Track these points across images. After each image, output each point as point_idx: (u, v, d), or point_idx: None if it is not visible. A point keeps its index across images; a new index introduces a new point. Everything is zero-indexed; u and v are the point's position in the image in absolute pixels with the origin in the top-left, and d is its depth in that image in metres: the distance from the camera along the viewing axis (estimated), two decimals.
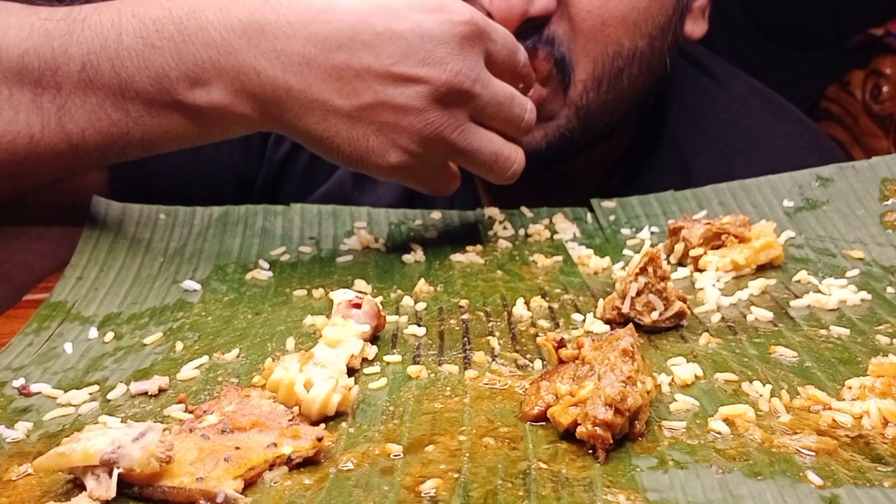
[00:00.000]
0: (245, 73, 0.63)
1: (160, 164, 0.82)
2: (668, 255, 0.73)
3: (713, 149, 0.94)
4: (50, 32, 0.66)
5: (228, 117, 0.66)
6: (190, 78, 0.64)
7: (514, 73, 0.70)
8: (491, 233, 0.81)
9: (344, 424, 0.47)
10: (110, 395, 0.51)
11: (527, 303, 0.64)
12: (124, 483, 0.40)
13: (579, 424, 0.44)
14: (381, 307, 0.58)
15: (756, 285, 0.66)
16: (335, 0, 0.64)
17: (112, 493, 0.39)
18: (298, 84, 0.63)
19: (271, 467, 0.42)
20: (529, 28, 0.76)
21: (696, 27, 0.91)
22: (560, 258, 0.74)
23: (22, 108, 0.66)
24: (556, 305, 0.64)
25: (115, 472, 0.39)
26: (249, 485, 0.41)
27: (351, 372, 0.52)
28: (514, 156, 0.71)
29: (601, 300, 0.61)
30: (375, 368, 0.54)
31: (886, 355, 0.52)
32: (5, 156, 0.67)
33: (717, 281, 0.68)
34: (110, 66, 0.65)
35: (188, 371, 0.54)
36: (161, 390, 0.52)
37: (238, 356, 0.56)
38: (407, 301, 0.65)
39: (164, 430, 0.42)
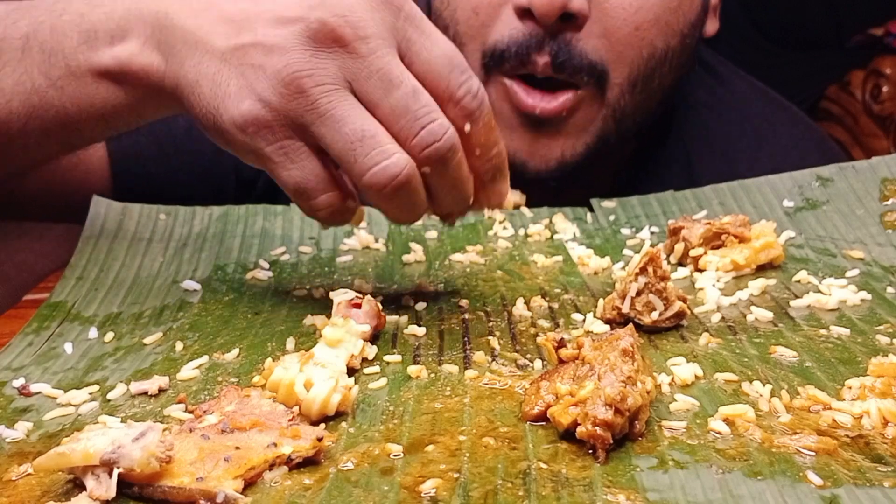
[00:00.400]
0: (158, 20, 0.60)
1: (162, 164, 0.82)
2: (668, 255, 0.73)
3: (717, 148, 0.95)
4: (9, 10, 0.66)
5: (134, 74, 0.61)
6: (113, 32, 0.62)
7: (446, 92, 0.56)
8: (491, 233, 0.81)
9: (344, 424, 0.47)
10: (110, 395, 0.51)
11: (527, 303, 0.64)
12: (124, 483, 0.40)
13: (579, 424, 0.44)
14: (380, 307, 0.58)
15: (756, 285, 0.66)
16: None
17: (112, 492, 0.39)
18: (193, 26, 0.59)
19: (271, 467, 0.42)
20: (565, 27, 0.77)
21: (710, 25, 0.92)
22: (560, 258, 0.74)
23: None
24: (556, 305, 0.64)
25: (115, 472, 0.39)
26: (249, 485, 0.41)
27: (351, 372, 0.52)
28: (392, 149, 0.55)
29: (601, 300, 0.61)
30: (375, 368, 0.54)
31: (886, 355, 0.52)
32: None
33: (717, 281, 0.68)
34: (48, 29, 0.63)
35: (188, 371, 0.54)
36: (161, 390, 0.52)
37: (238, 356, 0.56)
38: (407, 301, 0.65)
39: (164, 430, 0.42)
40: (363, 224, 0.81)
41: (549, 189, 0.85)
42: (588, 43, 0.79)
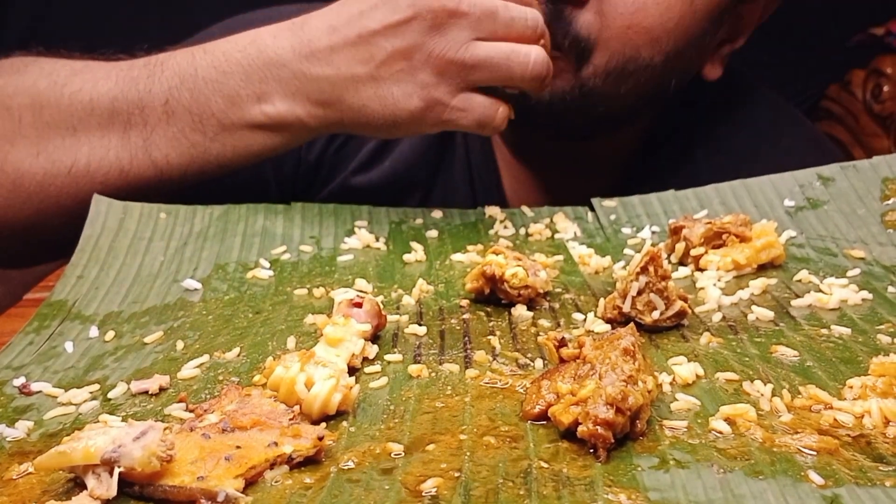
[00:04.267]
0: (297, 79, 0.73)
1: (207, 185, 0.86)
2: (669, 255, 0.73)
3: (722, 149, 0.96)
4: (135, 79, 0.76)
5: (292, 124, 0.75)
6: (257, 94, 0.74)
7: None
8: (492, 232, 0.81)
9: (345, 423, 0.47)
10: (111, 394, 0.51)
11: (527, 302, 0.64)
12: (125, 482, 0.40)
13: (580, 423, 0.44)
14: (381, 306, 0.58)
15: (757, 285, 0.66)
16: None
17: (113, 492, 0.39)
18: (331, 71, 0.72)
19: (272, 466, 0.42)
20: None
21: (713, 70, 0.94)
22: (561, 257, 0.74)
23: (112, 146, 0.76)
24: (556, 305, 0.64)
25: (116, 471, 0.39)
26: (250, 484, 0.41)
27: (352, 371, 0.52)
28: (529, 51, 0.72)
29: (602, 299, 0.61)
30: (376, 367, 0.54)
31: (888, 354, 0.52)
32: (99, 188, 0.76)
33: (718, 280, 0.68)
34: (189, 96, 0.75)
35: (189, 370, 0.54)
36: (162, 389, 0.52)
37: (239, 355, 0.56)
38: (407, 300, 0.65)
39: (165, 429, 0.42)
40: (364, 223, 0.81)
41: (547, 142, 0.94)
42: (582, 16, 0.81)
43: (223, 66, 0.75)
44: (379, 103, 0.72)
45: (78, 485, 0.41)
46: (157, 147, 0.76)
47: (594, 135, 0.93)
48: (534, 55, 0.72)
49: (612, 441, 0.43)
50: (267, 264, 0.72)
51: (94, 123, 0.76)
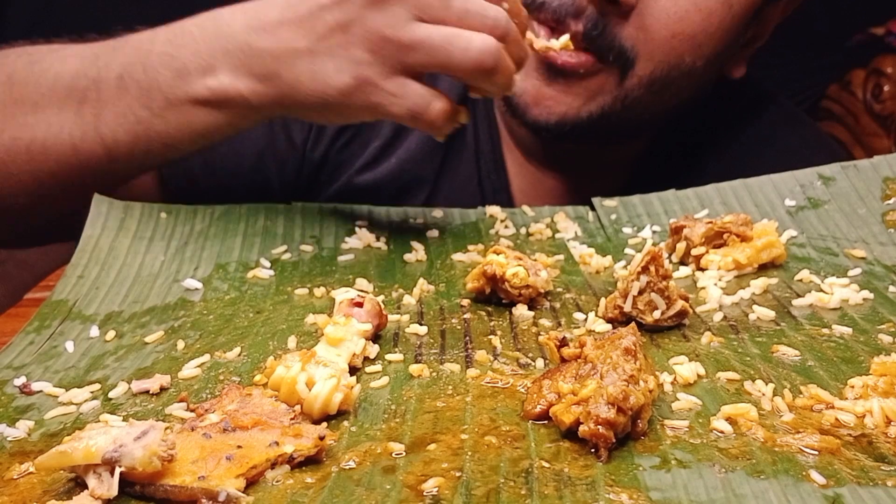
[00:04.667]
0: (242, 52, 0.70)
1: (209, 173, 0.87)
2: (670, 254, 0.73)
3: (727, 150, 0.97)
4: (97, 55, 0.75)
5: (231, 100, 0.71)
6: (203, 68, 0.71)
7: None
8: (492, 231, 0.81)
9: (346, 423, 0.47)
10: (112, 394, 0.51)
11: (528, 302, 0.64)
12: (126, 482, 0.40)
13: (581, 423, 0.43)
14: (382, 306, 0.58)
15: (758, 284, 0.65)
16: None
17: (114, 491, 0.39)
18: (274, 43, 0.69)
19: (273, 466, 0.42)
20: (610, 10, 0.81)
21: (738, 70, 0.96)
22: (561, 257, 0.74)
23: (66, 123, 0.74)
24: (557, 304, 0.64)
25: (117, 470, 0.39)
26: (251, 483, 0.41)
27: (353, 371, 0.52)
28: (472, 37, 0.67)
29: (603, 299, 0.61)
30: (377, 367, 0.54)
31: (889, 354, 0.52)
32: (55, 166, 0.75)
33: (719, 280, 0.67)
34: (142, 70, 0.73)
35: (190, 370, 0.54)
36: (162, 389, 0.52)
37: (239, 355, 0.56)
38: (408, 300, 0.65)
39: (166, 428, 0.42)
40: (364, 222, 0.81)
41: (568, 145, 0.92)
42: (625, 30, 0.82)
43: (178, 39, 0.73)
44: (311, 78, 0.69)
45: (79, 484, 0.41)
46: (106, 123, 0.74)
47: (628, 140, 0.95)
48: (478, 42, 0.67)
49: (614, 441, 0.43)
50: (268, 264, 0.72)
51: (55, 100, 0.75)
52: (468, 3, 0.67)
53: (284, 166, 0.93)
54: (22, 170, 0.76)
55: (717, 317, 0.61)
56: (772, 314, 0.60)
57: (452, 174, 0.96)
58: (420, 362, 0.54)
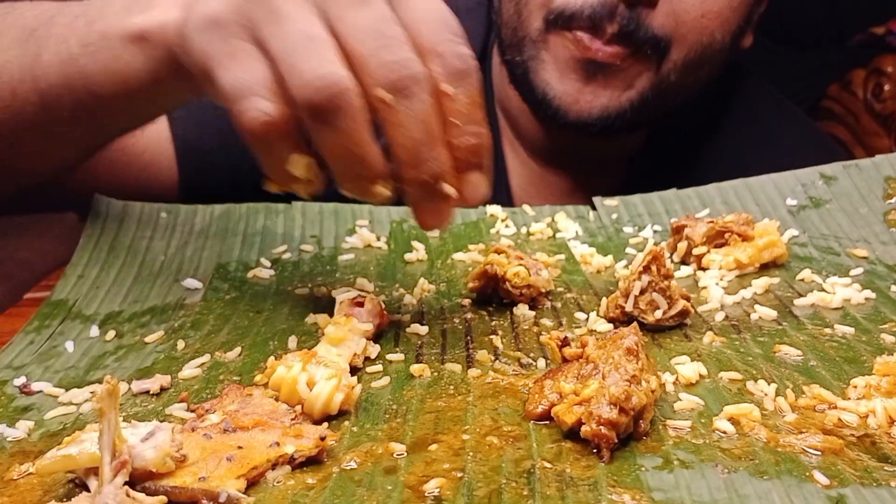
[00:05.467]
0: None
1: (225, 155, 0.83)
2: (672, 254, 0.73)
3: (727, 148, 0.97)
4: (68, 3, 0.67)
5: (155, 35, 0.59)
6: (153, 3, 0.60)
7: (426, 41, 0.50)
8: (493, 231, 0.80)
9: (347, 423, 0.47)
10: None
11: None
12: (126, 483, 0.40)
13: (583, 423, 0.43)
14: (383, 305, 0.58)
15: (760, 284, 0.65)
16: None
17: (121, 493, 0.39)
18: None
19: (274, 467, 0.42)
20: (639, 2, 0.82)
21: (747, 39, 0.98)
22: (562, 256, 0.74)
23: (10, 61, 0.67)
24: (559, 304, 0.64)
25: (122, 472, 0.39)
26: (252, 484, 0.41)
27: (353, 371, 0.52)
28: (335, 61, 0.49)
29: (604, 299, 0.61)
30: (378, 367, 0.53)
31: (892, 354, 0.51)
32: None
33: (721, 279, 0.67)
34: (100, 5, 0.64)
35: (190, 370, 0.54)
36: (163, 389, 0.51)
37: (240, 355, 0.56)
38: (409, 299, 0.64)
39: (173, 428, 0.42)
40: (365, 222, 0.80)
41: (581, 141, 0.91)
42: (656, 19, 0.84)
43: None
44: (194, 3, 0.54)
45: (78, 486, 0.41)
46: (41, 64, 0.66)
47: (658, 124, 0.97)
48: (333, 72, 0.49)
49: (616, 441, 0.43)
50: (268, 264, 0.72)
51: (8, 37, 0.68)
52: (384, 24, 0.50)
53: None
54: None
55: (719, 316, 0.61)
56: (774, 314, 0.60)
57: None
58: (421, 362, 0.54)
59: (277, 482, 0.41)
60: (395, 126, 0.50)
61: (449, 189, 0.52)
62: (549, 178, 0.98)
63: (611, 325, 0.59)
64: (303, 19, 0.50)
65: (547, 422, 0.46)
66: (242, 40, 0.51)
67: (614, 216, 0.83)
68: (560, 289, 0.67)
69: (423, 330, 0.59)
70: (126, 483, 0.38)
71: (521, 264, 0.62)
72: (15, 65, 0.67)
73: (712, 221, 0.72)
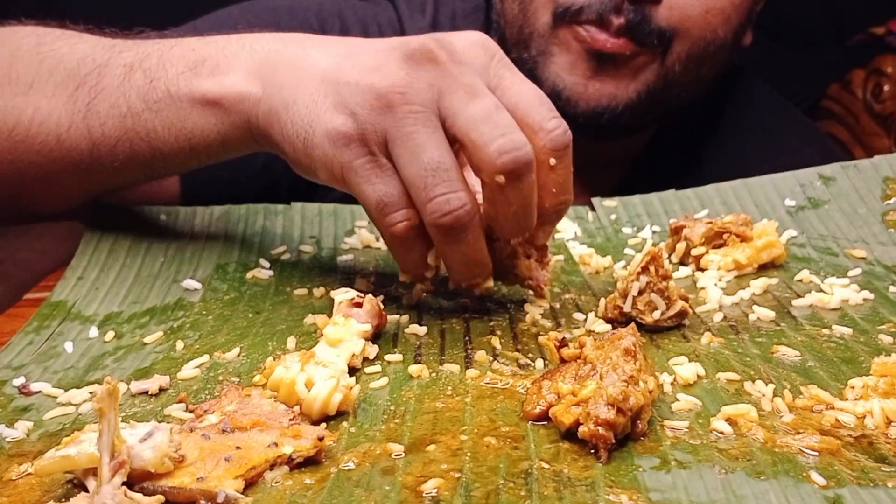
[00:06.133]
0: (268, 54, 0.63)
1: (226, 165, 0.83)
2: (670, 255, 0.73)
3: (726, 149, 0.97)
4: (116, 45, 0.70)
5: (231, 102, 0.64)
6: (220, 64, 0.65)
7: (530, 120, 0.57)
8: None
9: (345, 424, 0.47)
10: None
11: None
12: (124, 483, 0.40)
13: (581, 424, 0.43)
14: (382, 306, 0.58)
15: (758, 284, 0.65)
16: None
17: (119, 493, 0.39)
18: (300, 55, 0.62)
19: (272, 467, 0.42)
20: None
21: (747, 37, 0.99)
22: (561, 257, 0.74)
23: (55, 108, 0.69)
24: (557, 305, 0.64)
25: (120, 473, 0.39)
26: (250, 484, 0.41)
27: (352, 371, 0.52)
28: (459, 185, 0.56)
29: (603, 299, 0.61)
30: (376, 368, 0.53)
31: (889, 355, 0.52)
32: (35, 157, 0.69)
33: (719, 280, 0.67)
34: (157, 59, 0.67)
35: (189, 370, 0.54)
36: (161, 389, 0.51)
37: (239, 355, 0.56)
38: (408, 300, 0.64)
39: (171, 429, 0.42)
40: (364, 223, 0.80)
41: (588, 135, 0.89)
42: (661, 13, 0.86)
43: (206, 40, 0.67)
44: (306, 105, 0.60)
45: (77, 486, 0.41)
46: (96, 113, 0.68)
47: (656, 124, 0.98)
48: (460, 195, 0.55)
49: (614, 441, 0.43)
50: (267, 264, 0.72)
51: (51, 82, 0.69)
52: (494, 112, 0.55)
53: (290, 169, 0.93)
54: (2, 157, 0.70)
55: (717, 317, 0.61)
56: (772, 314, 0.60)
57: None
58: (419, 363, 0.54)
59: (275, 482, 0.42)
60: (504, 204, 0.56)
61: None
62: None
63: (609, 326, 0.59)
64: (431, 145, 0.55)
65: (545, 422, 0.46)
66: (378, 156, 0.57)
67: (613, 217, 0.83)
68: (558, 289, 0.67)
69: (422, 330, 0.59)
70: (124, 483, 0.39)
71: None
72: (63, 112, 0.69)
73: (711, 222, 0.72)
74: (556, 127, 0.57)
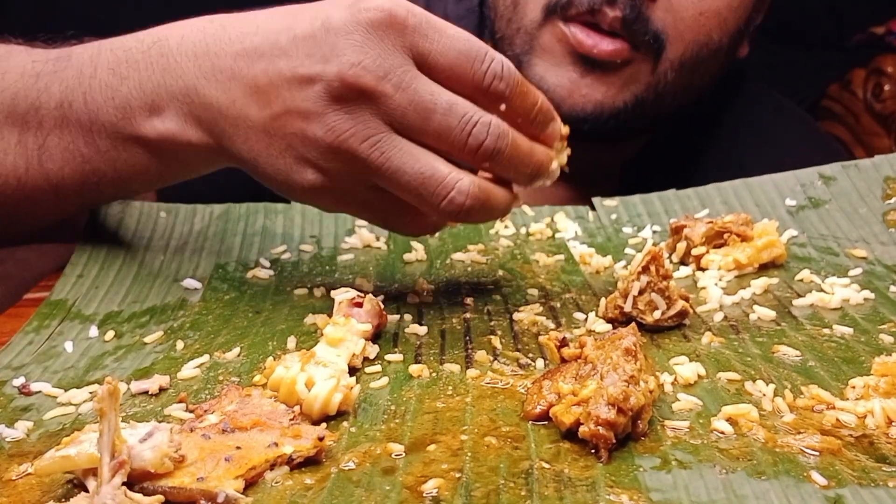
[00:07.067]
0: (188, 95, 0.61)
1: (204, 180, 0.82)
2: (671, 254, 0.73)
3: (725, 150, 0.96)
4: (38, 73, 0.66)
5: (182, 147, 0.63)
6: (148, 106, 0.63)
7: (472, 85, 0.56)
8: (492, 231, 0.80)
9: (345, 424, 0.47)
10: None
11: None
12: (124, 483, 0.40)
13: (582, 424, 0.43)
14: (382, 306, 0.58)
15: (758, 284, 0.65)
16: (279, 9, 0.61)
17: (119, 493, 0.39)
18: (225, 101, 0.59)
19: (272, 467, 0.42)
20: None
21: (744, 48, 0.97)
22: (562, 257, 0.74)
23: (10, 151, 0.66)
24: (557, 304, 0.64)
25: (120, 473, 0.39)
26: (250, 485, 0.41)
27: (352, 371, 0.52)
28: (452, 180, 0.56)
29: (603, 299, 0.61)
30: (377, 367, 0.53)
31: (890, 354, 0.51)
32: None
33: (720, 280, 0.67)
34: (82, 101, 0.64)
35: (189, 370, 0.54)
36: (162, 389, 0.51)
37: (239, 355, 0.56)
38: (408, 300, 0.64)
39: (171, 429, 0.42)
40: (364, 222, 0.80)
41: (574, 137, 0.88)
42: (655, 13, 0.83)
43: (122, 68, 0.63)
44: (269, 163, 0.59)
45: (77, 486, 0.41)
46: (50, 158, 0.66)
47: (654, 129, 0.96)
48: (458, 188, 0.56)
49: (614, 441, 0.43)
50: (267, 264, 0.72)
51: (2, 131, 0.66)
52: (451, 117, 0.55)
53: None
54: None
55: (718, 317, 0.61)
56: (772, 314, 0.60)
57: None
58: (420, 363, 0.54)
59: (276, 482, 0.42)
60: (508, 170, 0.59)
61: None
62: (545, 190, 0.98)
63: (609, 326, 0.59)
64: (406, 164, 0.56)
65: (545, 422, 0.46)
66: (363, 191, 0.59)
67: (613, 216, 0.83)
68: (559, 289, 0.67)
69: (422, 330, 0.59)
70: (124, 483, 0.39)
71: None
72: (17, 155, 0.66)
73: (711, 222, 0.72)
74: (490, 80, 0.56)
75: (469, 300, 0.64)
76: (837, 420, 0.46)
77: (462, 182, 0.56)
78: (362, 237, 0.77)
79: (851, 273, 0.68)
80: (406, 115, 0.55)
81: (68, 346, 0.58)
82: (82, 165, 0.66)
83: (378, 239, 0.77)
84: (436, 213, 0.58)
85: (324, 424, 0.46)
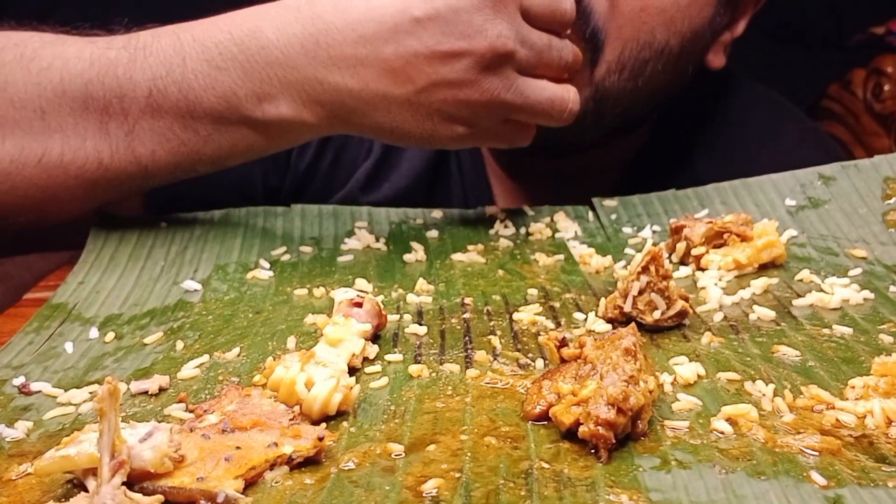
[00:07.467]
0: (309, 84, 0.68)
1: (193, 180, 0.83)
2: (670, 254, 0.73)
3: (720, 150, 0.96)
4: (112, 61, 0.69)
5: (296, 127, 0.71)
6: (257, 94, 0.69)
7: (555, 22, 0.71)
8: (492, 231, 0.80)
9: (345, 424, 0.47)
10: None
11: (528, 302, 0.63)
12: (124, 483, 0.40)
13: (581, 424, 0.43)
14: (382, 306, 0.58)
15: (758, 284, 0.65)
16: None
17: (119, 493, 0.39)
18: (357, 84, 0.67)
19: (272, 467, 0.42)
20: None
21: (716, 58, 0.92)
22: (561, 257, 0.74)
23: (89, 136, 0.69)
24: (557, 304, 0.64)
25: (120, 473, 0.39)
26: (250, 485, 0.41)
27: (352, 371, 0.52)
28: (567, 96, 0.73)
29: (603, 299, 0.61)
30: (377, 367, 0.53)
31: (890, 354, 0.51)
32: (73, 182, 0.70)
33: (720, 280, 0.67)
34: (177, 89, 0.69)
35: (189, 370, 0.54)
36: (161, 389, 0.51)
37: (239, 355, 0.56)
38: (408, 300, 0.64)
39: (171, 429, 0.42)
40: (364, 223, 0.80)
41: (532, 175, 0.95)
42: (597, 4, 0.79)
43: (217, 60, 0.68)
44: (417, 127, 0.70)
45: (76, 486, 0.41)
46: (141, 142, 0.69)
47: (602, 144, 0.91)
48: (572, 99, 0.73)
49: (614, 441, 0.43)
50: (267, 265, 0.72)
51: (67, 109, 0.69)
52: (553, 50, 0.71)
53: (269, 172, 0.93)
54: (31, 184, 0.69)
55: (718, 317, 0.61)
56: (772, 314, 0.60)
57: (442, 195, 0.95)
58: (420, 363, 0.54)
59: (275, 482, 0.42)
60: (576, 73, 0.76)
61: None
62: (531, 194, 0.97)
63: (609, 326, 0.59)
64: (534, 96, 0.71)
65: (545, 422, 0.46)
66: (498, 123, 0.74)
67: (613, 216, 0.83)
68: (558, 289, 0.67)
69: (422, 330, 0.59)
70: (124, 483, 0.39)
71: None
72: (100, 141, 0.69)
73: (711, 222, 0.72)
74: (566, 9, 0.72)
75: (469, 300, 0.65)
76: (837, 420, 0.46)
77: (572, 94, 0.73)
78: (362, 238, 0.77)
79: (851, 273, 0.68)
80: (529, 61, 0.70)
81: (68, 346, 0.58)
82: (179, 148, 0.70)
83: (378, 240, 0.78)
84: (560, 123, 0.73)
85: (323, 424, 0.46)
